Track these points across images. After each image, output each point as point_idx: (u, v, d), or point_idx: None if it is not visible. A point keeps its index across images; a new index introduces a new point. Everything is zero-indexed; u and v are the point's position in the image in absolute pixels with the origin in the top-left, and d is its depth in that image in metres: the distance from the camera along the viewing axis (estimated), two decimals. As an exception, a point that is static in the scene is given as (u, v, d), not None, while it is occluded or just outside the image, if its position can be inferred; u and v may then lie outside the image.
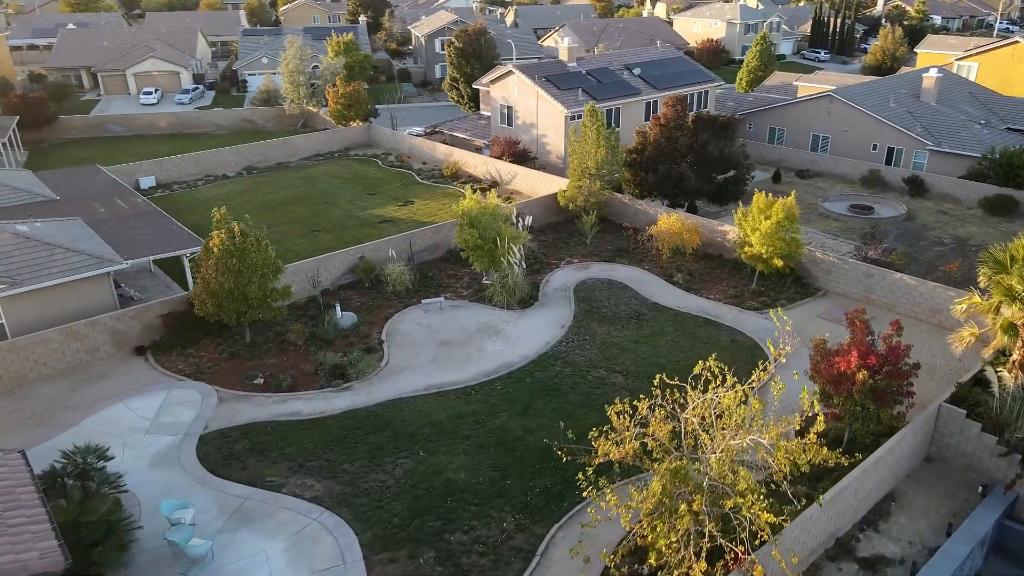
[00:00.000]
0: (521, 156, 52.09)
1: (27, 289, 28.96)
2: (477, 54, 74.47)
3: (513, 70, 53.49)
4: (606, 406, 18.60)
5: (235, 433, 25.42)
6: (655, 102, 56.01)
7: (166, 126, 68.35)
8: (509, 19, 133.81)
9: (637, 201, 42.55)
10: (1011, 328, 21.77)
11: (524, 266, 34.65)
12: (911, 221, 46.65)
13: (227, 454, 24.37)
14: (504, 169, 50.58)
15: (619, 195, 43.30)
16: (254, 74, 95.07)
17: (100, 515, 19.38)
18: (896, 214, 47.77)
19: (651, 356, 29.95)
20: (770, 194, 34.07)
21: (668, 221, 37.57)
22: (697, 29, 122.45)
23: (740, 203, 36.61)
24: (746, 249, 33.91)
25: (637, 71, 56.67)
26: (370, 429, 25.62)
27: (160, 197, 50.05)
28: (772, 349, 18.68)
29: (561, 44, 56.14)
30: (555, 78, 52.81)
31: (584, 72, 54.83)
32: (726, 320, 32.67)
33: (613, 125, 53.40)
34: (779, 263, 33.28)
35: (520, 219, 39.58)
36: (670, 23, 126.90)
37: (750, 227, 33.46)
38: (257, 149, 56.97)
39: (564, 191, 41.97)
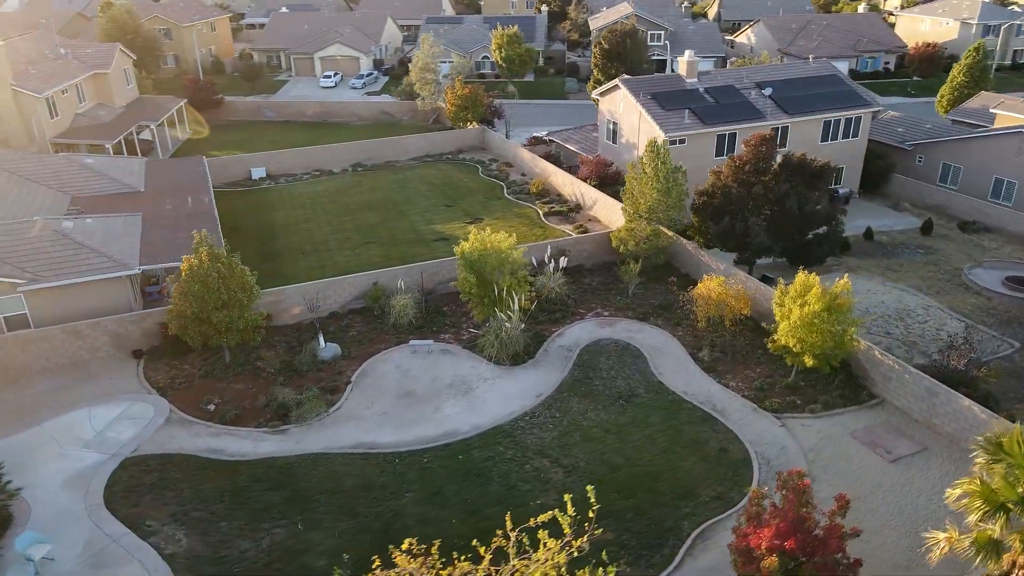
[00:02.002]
0: (612, 180, 47.97)
1: (48, 285, 31.38)
2: (622, 57, 70.22)
3: (619, 84, 49.22)
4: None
5: (155, 462, 25.64)
6: (783, 128, 48.85)
7: (313, 114, 72.07)
8: (712, 11, 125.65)
9: (702, 251, 37.26)
10: (991, 546, 15.42)
11: (519, 323, 31.49)
12: (1087, 311, 36.62)
13: (133, 485, 24.61)
14: (587, 193, 46.89)
15: (685, 241, 38.22)
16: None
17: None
18: (1068, 296, 37.72)
19: (612, 452, 25.85)
20: (834, 279, 27.82)
21: (707, 284, 32.30)
22: (925, 27, 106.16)
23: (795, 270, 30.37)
24: (773, 338, 28.16)
25: (768, 91, 49.69)
26: (272, 484, 24.61)
27: (261, 189, 52.68)
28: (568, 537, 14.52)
29: (681, 57, 50.64)
30: (662, 96, 47.78)
31: (702, 90, 49.08)
32: (731, 419, 27.38)
33: (727, 152, 47.43)
34: (810, 361, 27.21)
35: (553, 260, 36.28)
36: (891, 21, 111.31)
37: (783, 312, 27.66)
38: (367, 147, 58.02)
39: (617, 231, 37.78)
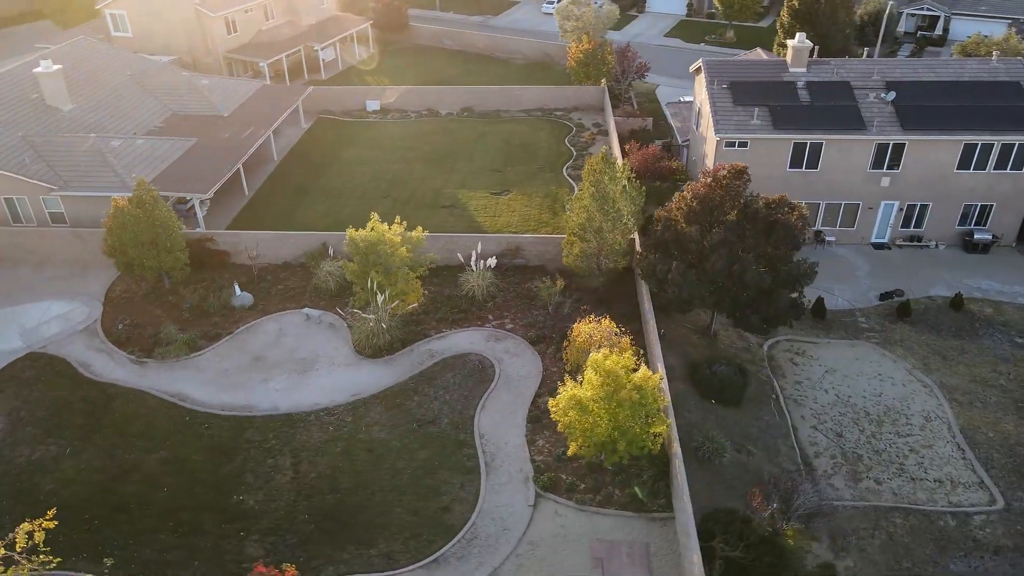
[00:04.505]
0: (662, 174, 42.86)
1: (70, 193, 38.47)
2: (812, 20, 59.49)
3: (701, 66, 42.89)
4: None
5: (43, 361, 31.19)
6: (897, 146, 39.06)
7: (483, 47, 72.89)
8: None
9: (643, 284, 32.74)
10: None
11: (379, 319, 31.19)
12: None
13: (13, 376, 30.25)
14: (624, 185, 42.54)
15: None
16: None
17: None
18: None
19: (350, 474, 25.59)
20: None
21: (581, 327, 28.69)
22: None
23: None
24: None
25: (890, 96, 39.57)
26: (90, 405, 28.64)
27: (363, 123, 55.77)
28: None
29: (791, 41, 42.03)
30: (739, 86, 40.72)
31: (801, 84, 40.77)
32: (491, 479, 25.13)
33: (806, 166, 39.68)
34: (574, 448, 23.62)
35: (482, 261, 34.70)
36: None
37: (564, 390, 24.07)
38: (479, 93, 57.70)
39: (565, 240, 34.57)
